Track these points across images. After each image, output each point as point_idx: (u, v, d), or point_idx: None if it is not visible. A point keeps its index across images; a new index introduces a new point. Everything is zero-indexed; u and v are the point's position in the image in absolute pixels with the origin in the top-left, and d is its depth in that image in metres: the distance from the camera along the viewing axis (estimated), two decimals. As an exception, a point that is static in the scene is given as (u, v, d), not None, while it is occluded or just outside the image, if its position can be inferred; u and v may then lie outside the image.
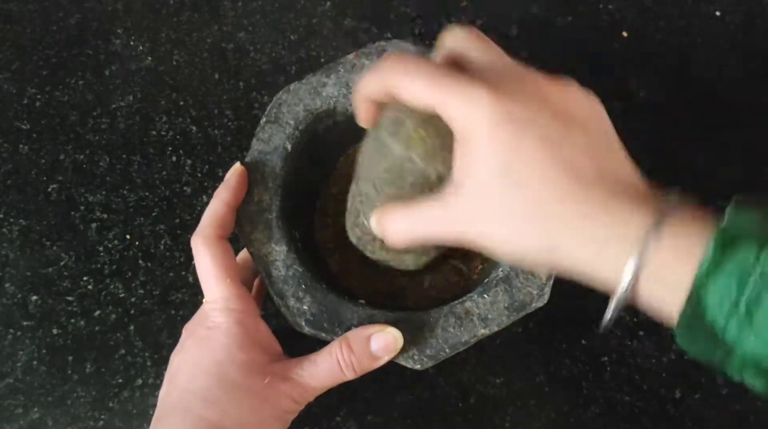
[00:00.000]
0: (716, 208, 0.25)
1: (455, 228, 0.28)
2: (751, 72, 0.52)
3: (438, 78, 0.27)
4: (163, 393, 0.35)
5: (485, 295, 0.36)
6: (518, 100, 0.26)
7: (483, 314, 0.36)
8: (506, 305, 0.36)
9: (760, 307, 0.22)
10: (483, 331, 0.35)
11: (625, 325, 0.45)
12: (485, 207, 0.26)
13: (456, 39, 0.29)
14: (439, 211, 0.28)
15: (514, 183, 0.26)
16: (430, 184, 0.29)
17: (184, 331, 0.37)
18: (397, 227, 0.30)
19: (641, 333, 0.45)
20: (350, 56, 0.40)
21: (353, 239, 0.37)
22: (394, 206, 0.30)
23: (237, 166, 0.38)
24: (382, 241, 0.35)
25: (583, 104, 0.28)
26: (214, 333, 0.35)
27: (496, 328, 0.36)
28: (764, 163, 0.49)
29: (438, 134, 0.29)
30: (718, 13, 0.53)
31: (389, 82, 0.28)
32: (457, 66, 0.29)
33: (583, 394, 0.44)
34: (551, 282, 0.36)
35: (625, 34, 0.53)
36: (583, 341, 0.45)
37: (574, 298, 0.45)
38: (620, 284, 0.25)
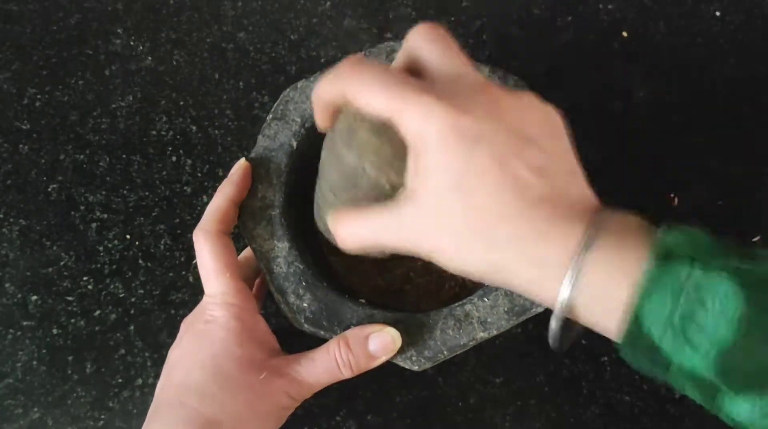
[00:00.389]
0: (651, 222, 0.26)
1: (405, 237, 0.28)
2: (751, 72, 0.52)
3: (392, 87, 0.27)
4: (159, 386, 0.35)
5: (485, 299, 0.36)
6: (472, 114, 0.26)
7: (482, 317, 0.36)
8: (506, 309, 0.36)
9: (692, 321, 0.23)
10: (482, 335, 0.35)
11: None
12: (434, 220, 0.26)
13: (417, 41, 0.29)
14: (390, 219, 0.28)
15: (463, 199, 0.26)
16: (384, 192, 0.29)
17: (182, 325, 0.37)
18: (349, 232, 0.30)
19: (641, 333, 0.45)
20: (358, 56, 0.40)
21: (320, 228, 0.37)
22: (347, 211, 0.30)
23: (242, 162, 0.38)
24: None
25: (540, 121, 0.27)
26: (211, 327, 0.35)
27: (495, 332, 0.36)
28: (764, 163, 0.49)
29: (391, 143, 0.28)
30: (718, 13, 0.53)
31: (345, 89, 0.28)
32: (416, 71, 0.29)
33: (583, 394, 0.44)
34: None
35: (625, 34, 0.53)
36: (583, 341, 0.45)
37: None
38: (557, 305, 0.25)
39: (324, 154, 0.32)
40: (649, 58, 0.52)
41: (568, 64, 0.51)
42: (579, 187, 0.27)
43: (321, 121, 0.32)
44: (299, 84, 0.40)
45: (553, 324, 0.26)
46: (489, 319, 0.36)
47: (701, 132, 0.50)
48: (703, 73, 0.51)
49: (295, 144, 0.39)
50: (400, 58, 0.30)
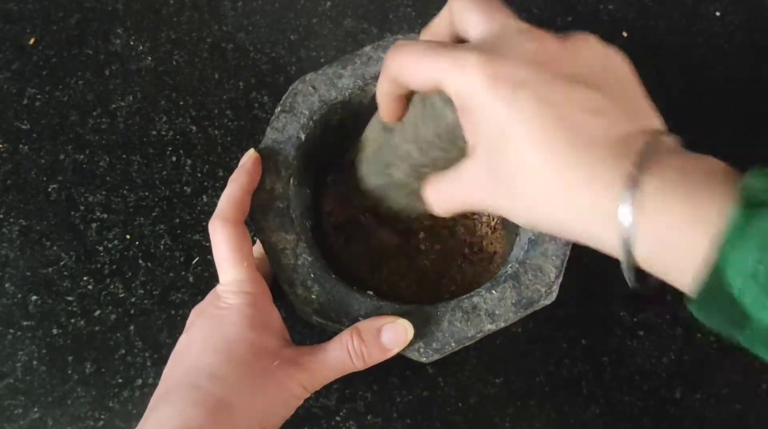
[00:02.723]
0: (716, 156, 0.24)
1: (470, 196, 0.27)
2: (751, 72, 0.52)
3: (430, 55, 0.26)
4: (167, 370, 0.35)
5: (493, 291, 0.36)
6: (513, 61, 0.25)
7: (490, 310, 0.36)
8: (514, 301, 0.36)
9: None
10: (489, 327, 0.35)
11: (625, 325, 0.45)
12: (488, 176, 0.26)
13: (458, 9, 0.28)
14: (459, 179, 0.28)
15: (510, 150, 0.24)
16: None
17: (192, 313, 0.37)
18: (439, 198, 0.30)
19: (641, 333, 0.45)
20: (367, 48, 0.40)
21: (369, 185, 0.37)
22: (436, 178, 0.30)
23: (252, 152, 0.38)
24: (409, 191, 0.36)
25: (594, 62, 0.26)
26: (225, 312, 0.35)
27: (503, 324, 0.36)
28: (764, 163, 0.49)
29: None
30: (718, 13, 0.53)
31: (394, 74, 0.28)
32: (460, 38, 0.29)
33: (583, 394, 0.44)
34: (560, 280, 0.36)
35: (625, 34, 0.53)
36: (583, 341, 0.45)
37: (574, 298, 0.45)
38: (621, 254, 0.23)
39: (411, 114, 0.32)
40: (649, 58, 0.52)
41: (568, 64, 0.51)
42: (647, 126, 0.25)
43: (392, 115, 0.32)
44: (308, 77, 0.40)
45: (626, 274, 0.24)
46: (497, 312, 0.36)
47: (701, 132, 0.50)
48: (703, 73, 0.51)
49: (303, 136, 0.39)
50: (440, 24, 0.30)
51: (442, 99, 0.30)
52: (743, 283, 0.22)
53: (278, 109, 0.39)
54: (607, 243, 0.24)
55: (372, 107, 0.42)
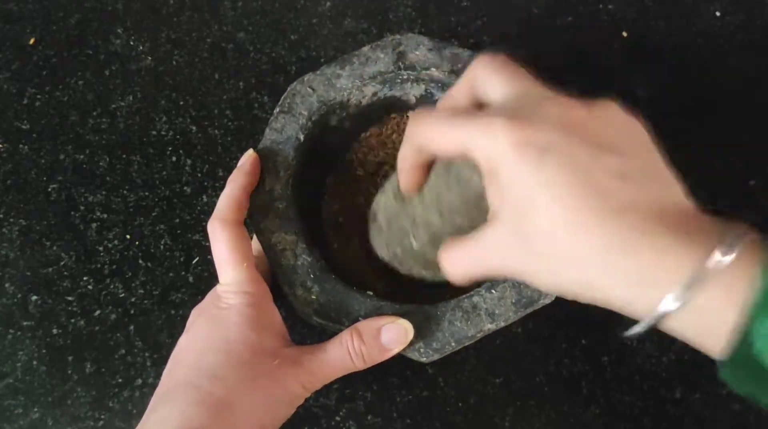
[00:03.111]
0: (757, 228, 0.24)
1: (493, 261, 0.27)
2: (751, 72, 0.52)
3: (457, 122, 0.27)
4: (167, 370, 0.35)
5: (493, 291, 0.36)
6: (539, 126, 0.25)
7: (490, 309, 0.36)
8: (513, 301, 0.36)
9: None
10: (489, 326, 0.36)
11: (625, 325, 0.45)
12: (515, 241, 0.26)
13: (480, 73, 0.29)
14: (480, 245, 0.28)
15: (538, 215, 0.24)
16: None
17: (192, 313, 0.37)
18: (459, 263, 0.29)
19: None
20: (365, 48, 0.40)
21: (385, 256, 0.37)
22: (454, 244, 0.29)
23: (251, 153, 0.38)
24: (424, 260, 0.36)
25: (619, 130, 0.26)
26: (226, 312, 0.35)
27: (503, 324, 0.36)
28: (764, 163, 0.49)
29: None
30: (718, 13, 0.53)
31: (420, 142, 0.29)
32: (480, 103, 0.29)
33: (583, 394, 0.44)
34: None
35: (625, 34, 0.53)
36: (583, 341, 0.45)
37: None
38: (649, 317, 0.24)
39: (433, 182, 0.33)
40: (649, 58, 0.52)
41: (568, 64, 0.51)
42: (672, 195, 0.25)
43: (413, 184, 0.33)
44: (306, 77, 0.40)
45: (639, 330, 0.25)
46: (497, 311, 0.36)
47: (701, 132, 0.50)
48: (703, 74, 0.51)
49: (302, 137, 0.39)
50: (460, 90, 0.30)
51: (468, 166, 0.30)
52: None
53: (277, 109, 0.39)
54: (634, 306, 0.25)
55: (370, 108, 0.42)
